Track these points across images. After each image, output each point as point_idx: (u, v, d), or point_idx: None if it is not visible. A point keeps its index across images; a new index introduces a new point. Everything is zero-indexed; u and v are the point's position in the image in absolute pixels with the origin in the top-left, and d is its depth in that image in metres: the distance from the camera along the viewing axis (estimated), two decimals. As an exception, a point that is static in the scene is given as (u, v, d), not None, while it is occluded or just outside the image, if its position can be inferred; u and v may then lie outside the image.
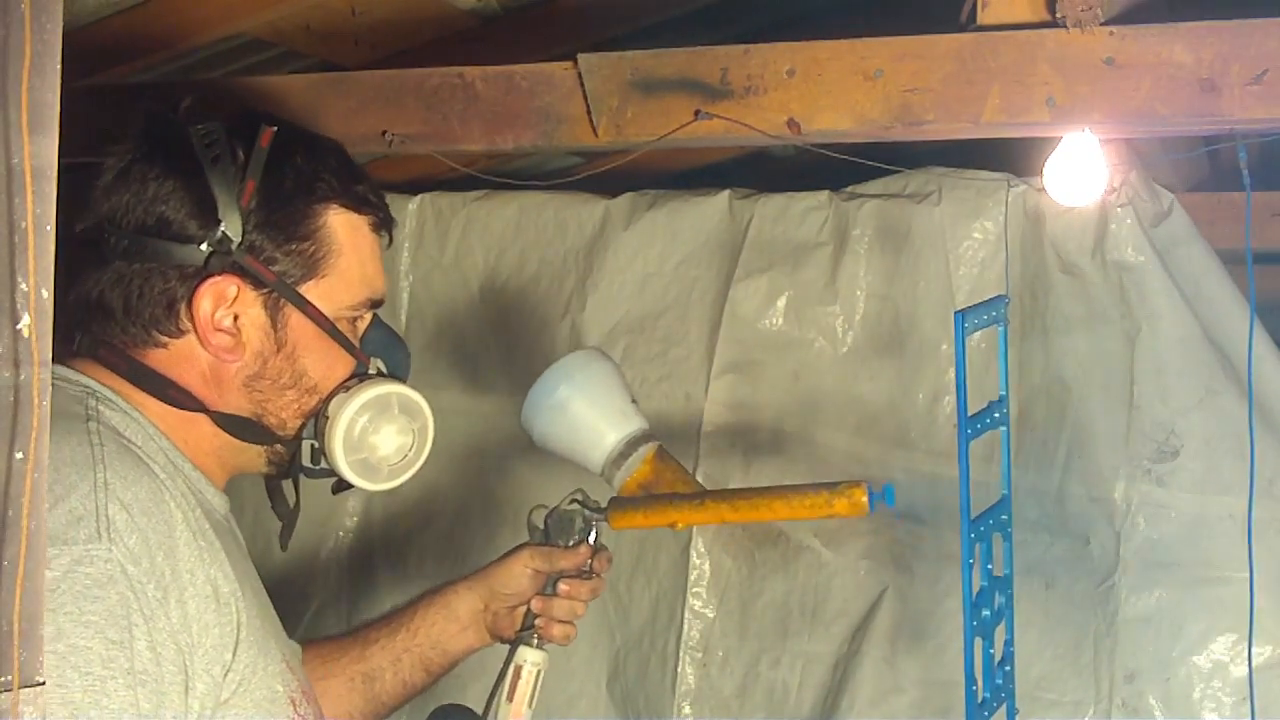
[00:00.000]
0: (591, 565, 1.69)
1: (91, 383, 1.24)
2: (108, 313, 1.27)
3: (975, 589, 1.89)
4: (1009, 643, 2.00)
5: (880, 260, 2.57)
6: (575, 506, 1.69)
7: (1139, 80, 1.67)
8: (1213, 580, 2.31)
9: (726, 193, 2.74)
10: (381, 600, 2.81)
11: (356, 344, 1.36)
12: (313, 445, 1.35)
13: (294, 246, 1.29)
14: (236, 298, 1.26)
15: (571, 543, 1.67)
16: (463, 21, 2.58)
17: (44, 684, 0.70)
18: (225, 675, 1.17)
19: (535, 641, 1.65)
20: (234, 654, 1.18)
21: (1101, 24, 1.67)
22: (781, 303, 2.64)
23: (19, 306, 0.68)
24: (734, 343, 2.66)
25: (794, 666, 2.62)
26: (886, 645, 2.53)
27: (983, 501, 1.94)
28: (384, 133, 1.99)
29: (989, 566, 1.93)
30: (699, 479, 2.64)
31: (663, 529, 1.74)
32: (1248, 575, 2.21)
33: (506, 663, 1.64)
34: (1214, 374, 2.33)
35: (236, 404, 1.29)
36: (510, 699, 1.63)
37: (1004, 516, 2.01)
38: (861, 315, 2.60)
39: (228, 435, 1.30)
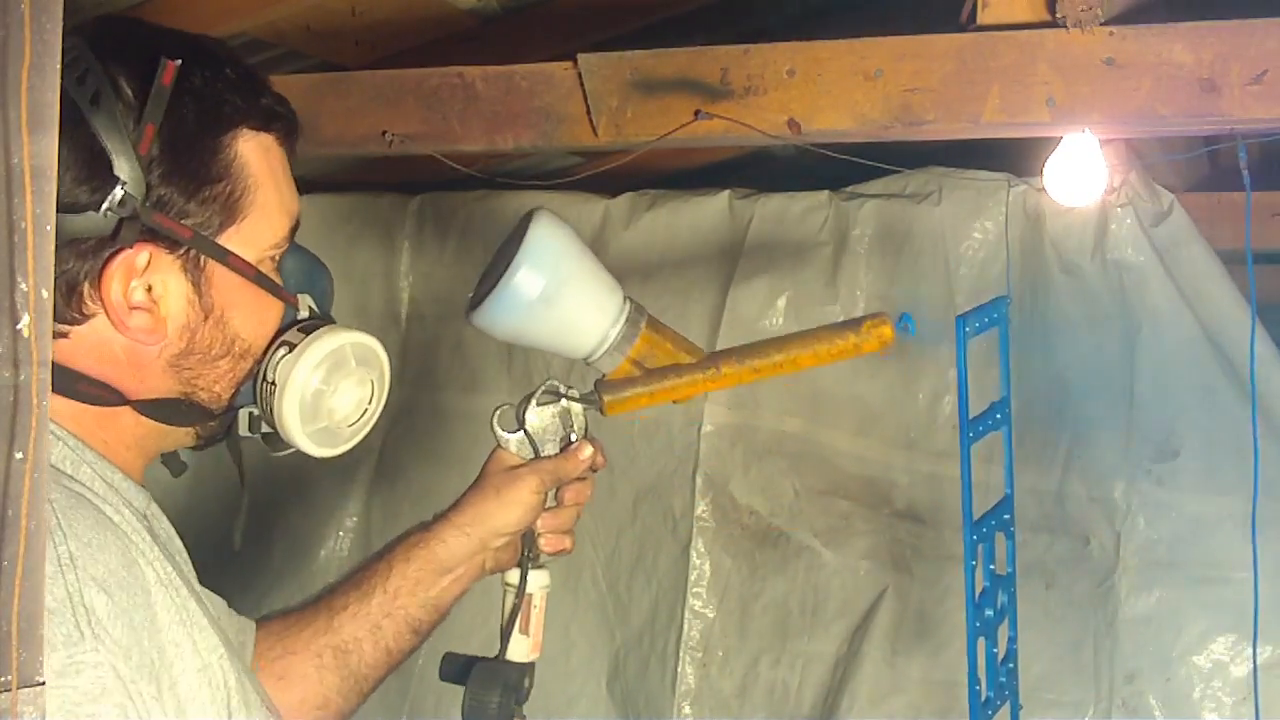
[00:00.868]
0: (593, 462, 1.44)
1: None
2: None
3: (978, 589, 1.89)
4: (1012, 639, 2.01)
5: (880, 260, 2.57)
6: (557, 399, 1.44)
7: (1139, 80, 1.67)
8: (1213, 580, 2.31)
9: (726, 193, 2.75)
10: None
11: (280, 284, 1.13)
12: (250, 413, 1.16)
13: (208, 191, 1.05)
14: (148, 266, 1.03)
15: (561, 443, 1.44)
16: (463, 21, 2.58)
17: (44, 684, 0.70)
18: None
19: (542, 561, 1.44)
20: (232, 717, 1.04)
21: (1101, 24, 1.67)
22: (781, 303, 2.64)
23: (19, 306, 0.68)
24: (734, 342, 2.66)
25: (794, 666, 2.62)
26: (886, 645, 2.53)
27: (982, 502, 1.94)
28: (384, 133, 1.99)
29: (991, 566, 1.93)
30: (699, 480, 2.66)
31: (664, 405, 1.50)
32: (1247, 575, 2.21)
33: (518, 594, 1.42)
34: (1214, 374, 2.33)
35: (161, 387, 1.08)
36: (526, 631, 1.42)
37: (1006, 516, 2.02)
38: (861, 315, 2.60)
39: (152, 422, 1.10)
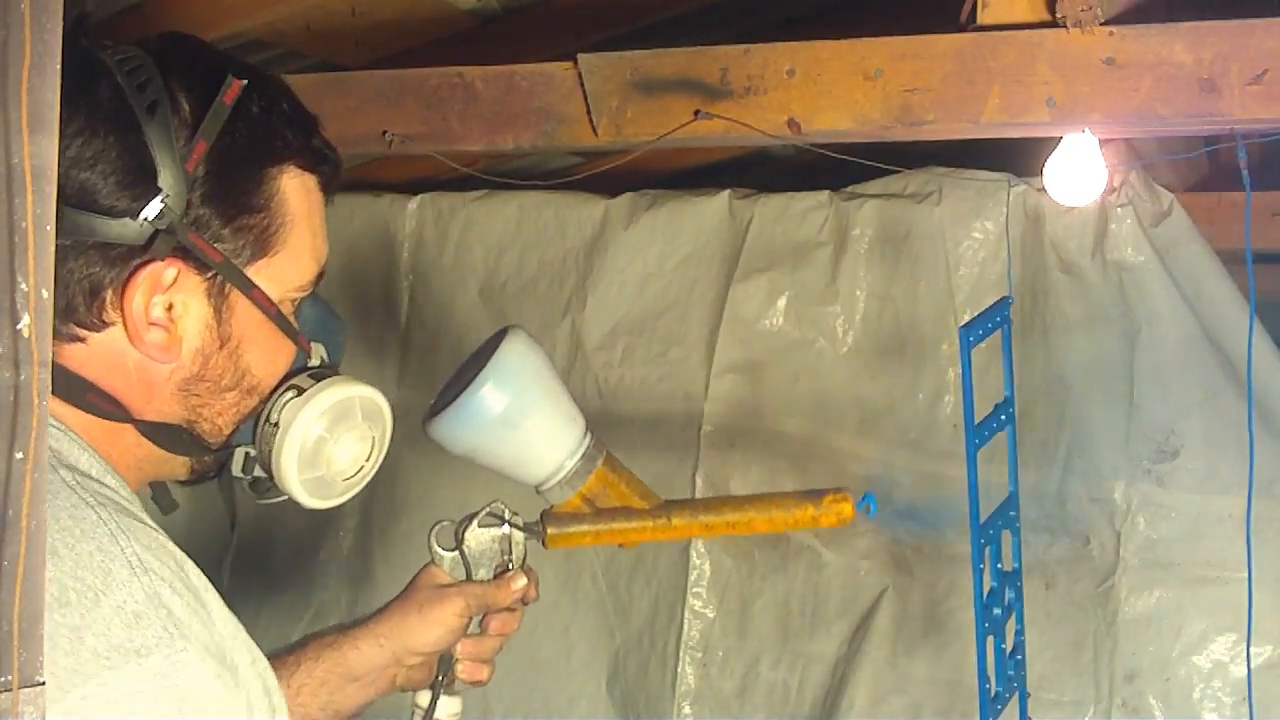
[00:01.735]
0: (524, 595, 1.38)
1: None
2: None
3: (986, 589, 1.89)
4: (1020, 632, 2.01)
5: (880, 260, 2.58)
6: (499, 523, 1.38)
7: (1139, 80, 1.67)
8: (1213, 580, 2.31)
9: (726, 193, 2.75)
10: (381, 601, 2.81)
11: (296, 328, 1.12)
12: (247, 453, 1.13)
13: (245, 220, 1.04)
14: (174, 283, 1.01)
15: (497, 569, 1.38)
16: (463, 21, 2.58)
17: (44, 684, 0.70)
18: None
19: (456, 688, 1.36)
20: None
21: (1101, 24, 1.67)
22: (781, 303, 2.64)
23: (19, 306, 0.68)
24: (734, 343, 2.66)
25: (794, 666, 2.62)
26: (887, 645, 2.53)
27: (982, 501, 1.94)
28: (384, 133, 1.99)
29: (998, 565, 1.94)
30: (699, 480, 2.66)
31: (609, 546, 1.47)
32: (1247, 575, 2.21)
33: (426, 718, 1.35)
34: (1214, 374, 2.33)
35: (166, 410, 1.06)
36: None
37: (1011, 513, 2.02)
38: (862, 315, 2.60)
39: (152, 446, 1.07)
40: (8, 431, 0.68)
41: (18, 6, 0.67)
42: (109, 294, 1.00)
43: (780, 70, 1.80)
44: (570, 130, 1.93)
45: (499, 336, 1.35)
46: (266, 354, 1.09)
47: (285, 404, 1.11)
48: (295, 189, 1.07)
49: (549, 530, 1.39)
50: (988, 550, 1.90)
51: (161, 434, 1.06)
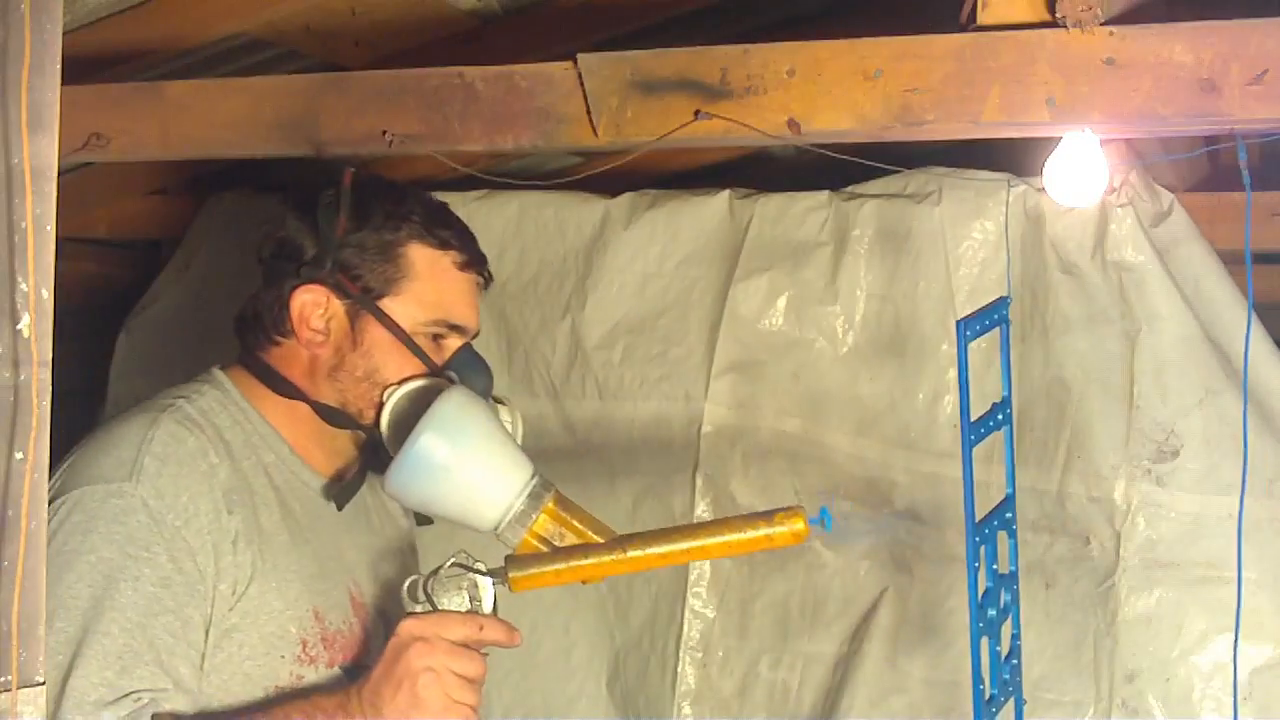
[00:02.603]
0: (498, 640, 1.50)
1: (220, 376, 1.63)
2: (245, 321, 1.66)
3: (981, 590, 1.89)
4: (1016, 636, 2.01)
5: (880, 260, 2.57)
6: (465, 572, 1.46)
7: (1139, 80, 1.67)
8: (1213, 580, 2.31)
9: (726, 193, 2.74)
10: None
11: (434, 359, 1.60)
12: (377, 424, 1.58)
13: (376, 267, 1.59)
14: (327, 303, 1.58)
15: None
16: (463, 21, 2.58)
17: (43, 684, 0.70)
18: (235, 603, 1.47)
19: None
20: (245, 590, 1.48)
21: (1101, 24, 1.67)
22: (781, 303, 2.64)
23: (19, 306, 0.68)
24: (734, 342, 2.66)
25: (794, 666, 2.62)
26: (887, 645, 2.53)
27: (981, 501, 1.94)
28: (384, 133, 1.99)
29: (994, 566, 1.94)
30: (699, 480, 2.66)
31: (574, 584, 1.53)
32: (1248, 575, 2.21)
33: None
34: (1214, 374, 2.33)
35: (327, 394, 1.60)
36: None
37: (1008, 515, 2.02)
38: (862, 315, 2.60)
39: (321, 420, 1.60)
40: (7, 431, 0.68)
41: (18, 7, 0.67)
42: (286, 308, 1.59)
43: (780, 70, 1.80)
44: (570, 130, 1.93)
45: (435, 395, 1.55)
46: (394, 363, 1.59)
47: (390, 388, 1.58)
48: (422, 256, 1.62)
49: (511, 573, 1.45)
50: (983, 549, 1.90)
51: (326, 411, 1.60)
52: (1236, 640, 2.17)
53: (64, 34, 0.72)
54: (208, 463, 1.49)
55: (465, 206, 2.90)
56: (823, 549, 2.62)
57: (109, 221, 3.21)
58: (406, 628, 1.43)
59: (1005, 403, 2.03)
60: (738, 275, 2.66)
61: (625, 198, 2.80)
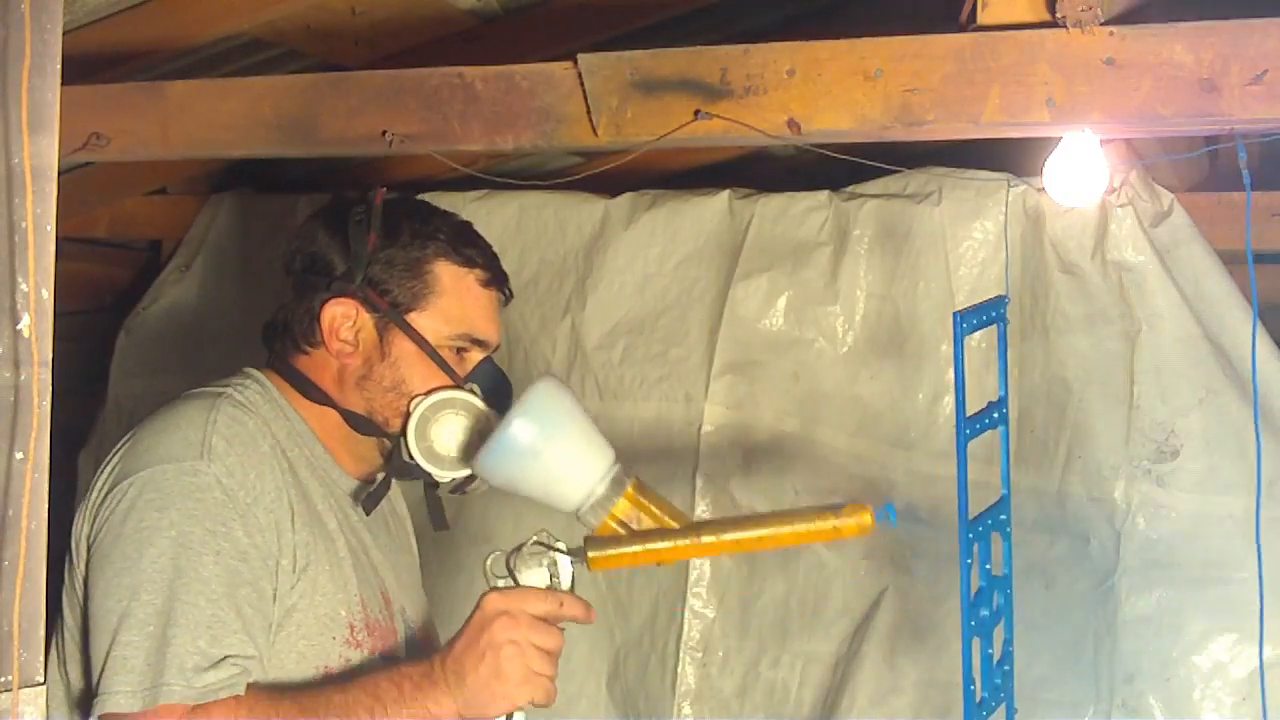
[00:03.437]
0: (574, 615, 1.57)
1: (259, 375, 1.67)
2: (275, 329, 1.71)
3: (974, 589, 1.89)
4: (1008, 642, 2.00)
5: (880, 260, 2.57)
6: (545, 550, 1.53)
7: (1139, 80, 1.67)
8: (1213, 580, 2.31)
9: (726, 193, 2.74)
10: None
11: (457, 371, 1.66)
12: (402, 433, 1.65)
13: (404, 283, 1.65)
14: (356, 316, 1.65)
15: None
16: (463, 21, 2.58)
17: (44, 684, 0.70)
18: (296, 581, 1.54)
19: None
20: (304, 568, 1.54)
21: (1101, 24, 1.66)
22: (781, 303, 2.64)
23: (19, 306, 0.68)
24: (734, 343, 2.66)
25: (794, 666, 2.62)
26: (886, 645, 2.53)
27: (983, 502, 1.94)
28: (384, 133, 1.99)
29: (987, 567, 1.93)
30: (699, 480, 2.66)
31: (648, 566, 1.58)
32: (1247, 575, 2.21)
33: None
34: (1214, 374, 2.33)
35: (355, 402, 1.66)
36: None
37: (1003, 516, 2.01)
38: (861, 315, 2.60)
39: (349, 428, 1.66)
40: (8, 431, 0.68)
41: (18, 7, 0.67)
42: (317, 319, 1.65)
43: (780, 70, 1.80)
44: (570, 130, 1.93)
45: (531, 383, 1.61)
46: (420, 374, 1.65)
47: (415, 399, 1.64)
48: (448, 273, 1.68)
49: (590, 553, 1.53)
50: (977, 548, 1.89)
51: (354, 419, 1.66)
52: (1261, 639, 2.17)
53: (64, 34, 0.72)
54: (267, 444, 1.57)
55: (465, 206, 2.90)
56: (823, 549, 2.62)
57: (109, 221, 3.21)
58: (491, 601, 1.48)
59: (1002, 402, 2.02)
60: (738, 275, 2.66)
61: (625, 198, 2.80)
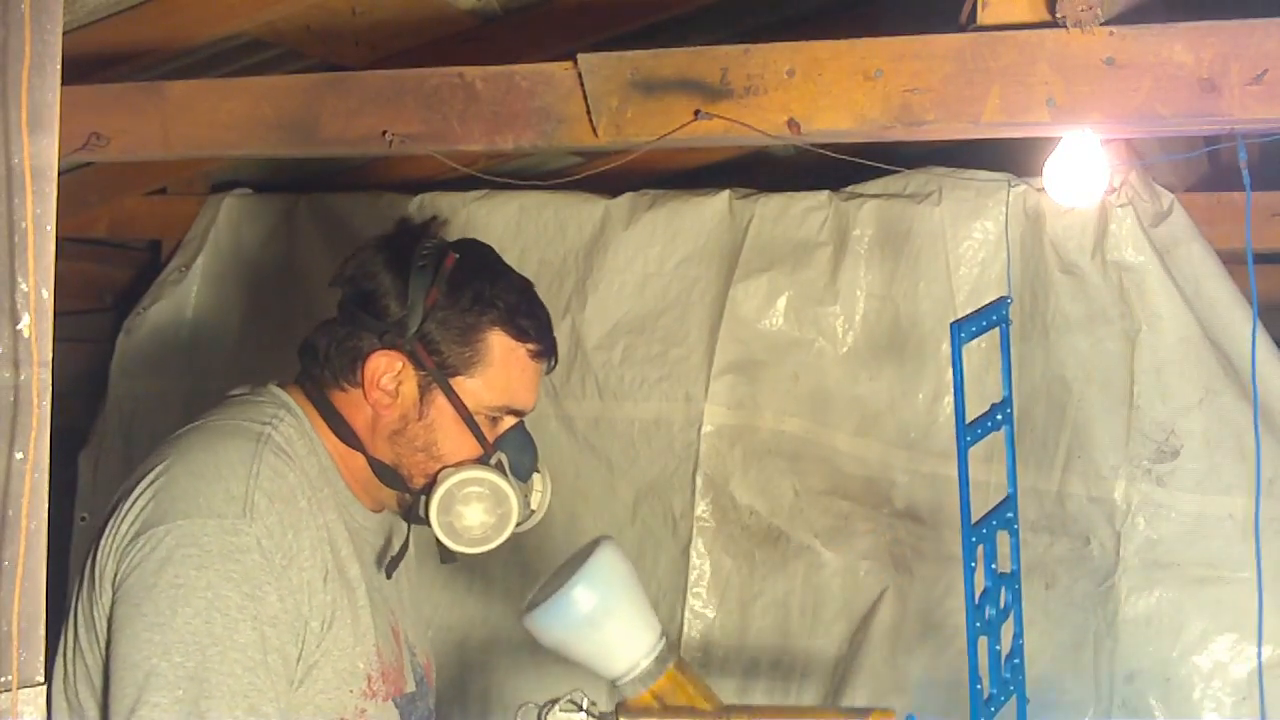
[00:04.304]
0: None
1: (291, 402, 1.64)
2: (315, 354, 1.66)
3: (979, 590, 1.89)
4: (1018, 636, 2.00)
5: (880, 260, 2.57)
6: (578, 710, 1.57)
7: (1139, 80, 1.67)
8: (1213, 580, 2.31)
9: (726, 193, 2.74)
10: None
11: (489, 438, 1.66)
12: (424, 500, 1.65)
13: (456, 347, 1.63)
14: (400, 370, 1.62)
15: None
16: (463, 21, 2.58)
17: (44, 684, 0.70)
18: (320, 640, 1.53)
19: None
20: (329, 625, 1.53)
21: (1101, 24, 1.67)
22: (781, 303, 2.64)
23: (19, 306, 0.68)
24: (734, 343, 2.66)
25: (794, 666, 2.62)
26: (887, 645, 2.52)
27: (981, 501, 1.94)
28: (384, 133, 1.99)
29: (993, 566, 1.93)
30: (699, 480, 2.66)
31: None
32: (1248, 575, 2.21)
33: None
34: (1214, 374, 2.33)
35: (383, 452, 1.65)
36: None
37: (1009, 515, 2.01)
38: (862, 315, 2.60)
39: (373, 474, 1.65)
40: (7, 431, 0.67)
41: (18, 7, 0.67)
42: (361, 363, 1.62)
43: (780, 70, 1.80)
44: (570, 130, 1.93)
45: (593, 545, 1.61)
46: (453, 439, 1.64)
47: (446, 470, 1.64)
48: (500, 344, 1.65)
49: None
50: (981, 549, 1.89)
51: (379, 468, 1.65)
52: (1260, 638, 2.17)
53: (64, 34, 0.72)
54: (305, 499, 1.54)
55: (465, 207, 2.90)
56: (822, 549, 2.62)
57: (109, 221, 3.21)
58: None
59: (1006, 403, 2.02)
60: (738, 275, 2.66)
61: (625, 198, 2.80)
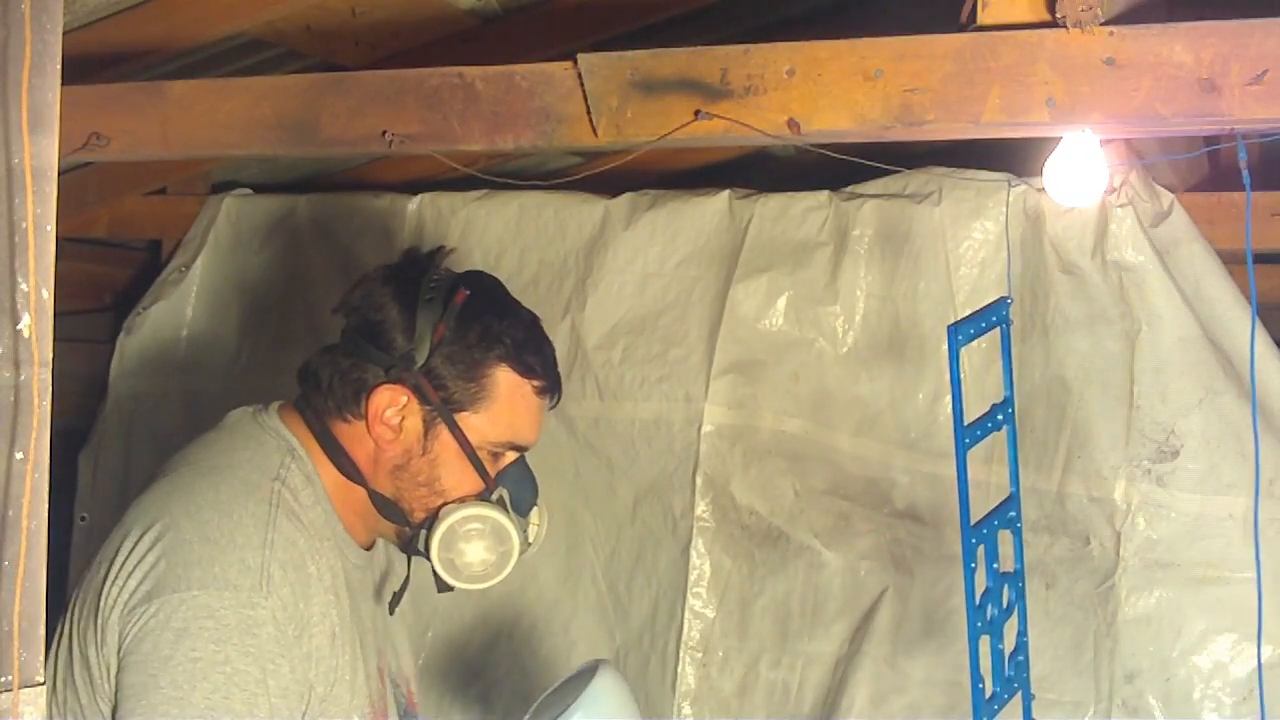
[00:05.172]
0: None
1: (293, 440, 1.61)
2: (316, 382, 1.64)
3: (980, 590, 1.89)
4: (1022, 633, 2.00)
5: (880, 260, 2.57)
6: None
7: (1139, 80, 1.67)
8: (1213, 580, 2.31)
9: (726, 193, 2.74)
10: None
11: (491, 473, 1.65)
12: (425, 535, 1.65)
13: (462, 382, 1.62)
14: (405, 405, 1.61)
15: None
16: (463, 21, 2.58)
17: (44, 684, 0.70)
18: (322, 702, 1.52)
19: None
20: (331, 687, 1.53)
21: (1101, 24, 1.67)
22: (781, 303, 2.64)
23: (19, 306, 0.68)
24: (734, 343, 2.66)
25: (794, 666, 2.62)
26: (887, 645, 2.53)
27: (981, 501, 1.94)
28: (384, 133, 1.99)
29: (995, 566, 1.93)
30: (699, 480, 2.66)
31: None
32: (1248, 575, 2.21)
33: None
34: (1214, 374, 2.33)
35: (385, 486, 1.64)
36: None
37: (1012, 514, 2.02)
38: (862, 315, 2.60)
39: (373, 507, 1.64)
40: (8, 431, 0.67)
41: (18, 7, 0.67)
42: (365, 396, 1.61)
43: (780, 70, 1.80)
44: (570, 130, 1.93)
45: (590, 670, 1.62)
46: (456, 474, 1.64)
47: (449, 506, 1.64)
48: (507, 380, 1.64)
49: None
50: (981, 550, 1.89)
51: (380, 501, 1.64)
52: (1260, 638, 2.17)
53: (64, 34, 0.72)
54: (313, 563, 1.53)
55: (465, 207, 2.90)
56: (822, 549, 2.62)
57: (109, 221, 3.21)
58: None
59: (1007, 403, 2.03)
60: (738, 275, 2.66)
61: (625, 198, 2.80)
